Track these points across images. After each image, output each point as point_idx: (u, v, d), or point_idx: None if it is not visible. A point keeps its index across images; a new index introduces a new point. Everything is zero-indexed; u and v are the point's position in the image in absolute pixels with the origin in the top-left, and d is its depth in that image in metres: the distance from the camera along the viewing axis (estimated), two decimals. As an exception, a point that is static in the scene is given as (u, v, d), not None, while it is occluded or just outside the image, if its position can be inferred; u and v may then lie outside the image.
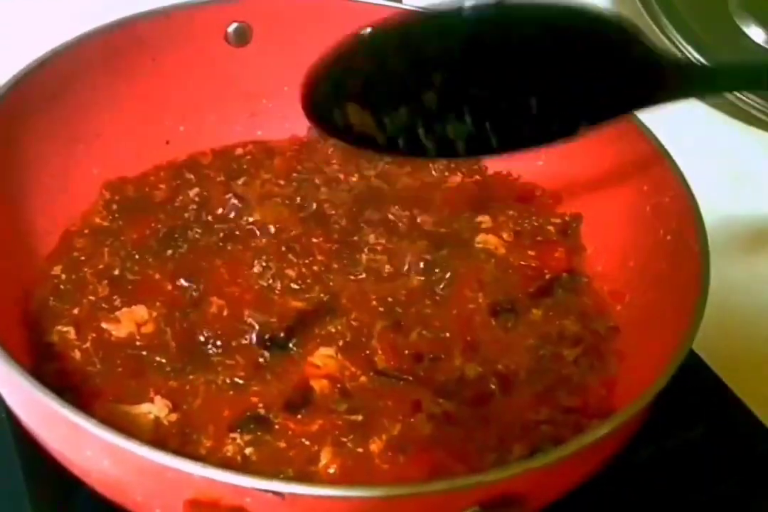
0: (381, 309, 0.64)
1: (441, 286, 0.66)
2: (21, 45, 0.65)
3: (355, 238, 0.68)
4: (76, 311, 0.61)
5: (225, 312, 0.62)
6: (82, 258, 0.65)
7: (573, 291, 0.67)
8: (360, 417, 0.57)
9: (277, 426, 0.56)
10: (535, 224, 0.71)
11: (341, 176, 0.74)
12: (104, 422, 0.43)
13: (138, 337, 0.60)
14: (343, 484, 0.51)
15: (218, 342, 0.60)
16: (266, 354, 0.60)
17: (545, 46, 0.51)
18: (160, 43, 0.70)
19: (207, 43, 0.72)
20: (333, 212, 0.70)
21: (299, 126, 0.77)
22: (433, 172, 0.75)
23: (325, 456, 0.54)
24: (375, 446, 0.55)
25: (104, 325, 0.60)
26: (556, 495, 0.50)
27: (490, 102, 0.52)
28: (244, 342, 0.60)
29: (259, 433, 0.55)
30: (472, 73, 0.52)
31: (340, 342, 0.61)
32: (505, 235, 0.69)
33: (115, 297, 0.62)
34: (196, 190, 0.71)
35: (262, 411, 0.57)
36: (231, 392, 0.58)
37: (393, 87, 0.53)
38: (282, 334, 0.60)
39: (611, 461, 0.52)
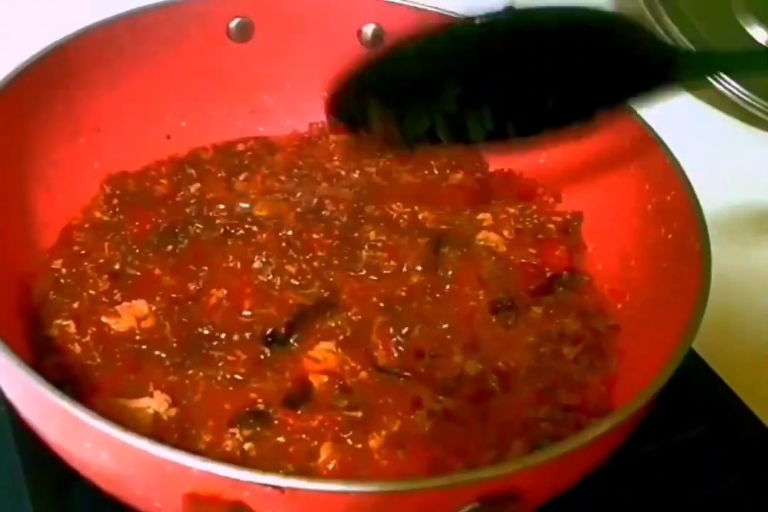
0: (381, 305, 0.64)
1: (442, 283, 0.65)
2: (23, 39, 0.65)
3: (356, 235, 0.68)
4: (76, 305, 0.61)
5: (225, 308, 0.62)
6: (83, 252, 0.65)
7: (573, 289, 0.67)
8: (359, 414, 0.57)
9: (276, 422, 0.56)
10: (536, 222, 0.71)
11: (342, 172, 0.74)
12: (103, 416, 0.43)
13: (138, 332, 0.60)
14: (343, 479, 0.51)
15: (219, 338, 0.60)
16: (267, 350, 0.60)
17: (556, 43, 0.53)
18: (162, 37, 0.70)
19: (209, 39, 0.72)
20: (334, 208, 0.70)
21: (300, 122, 0.77)
22: (435, 170, 0.75)
23: (324, 452, 0.54)
24: (374, 442, 0.55)
25: (104, 319, 0.60)
26: (555, 492, 0.50)
27: (508, 98, 0.54)
28: (244, 337, 0.60)
29: (258, 428, 0.55)
30: (489, 72, 0.54)
31: (341, 338, 0.61)
32: (506, 233, 0.70)
33: (115, 291, 0.62)
34: (197, 185, 0.71)
35: (261, 407, 0.57)
36: (231, 387, 0.57)
37: (415, 90, 0.54)
38: (283, 330, 0.60)
39: (610, 459, 0.52)
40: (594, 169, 0.69)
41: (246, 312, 0.62)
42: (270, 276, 0.64)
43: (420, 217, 0.70)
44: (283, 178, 0.72)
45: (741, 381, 0.68)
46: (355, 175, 0.74)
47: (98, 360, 0.58)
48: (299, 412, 0.56)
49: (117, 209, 0.68)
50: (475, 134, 0.54)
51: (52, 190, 0.65)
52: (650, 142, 0.64)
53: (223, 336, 0.60)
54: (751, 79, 0.90)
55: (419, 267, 0.66)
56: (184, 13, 0.70)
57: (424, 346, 0.61)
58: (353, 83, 0.56)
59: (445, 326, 0.63)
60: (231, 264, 0.65)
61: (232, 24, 0.72)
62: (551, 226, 0.71)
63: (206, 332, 0.60)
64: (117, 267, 0.64)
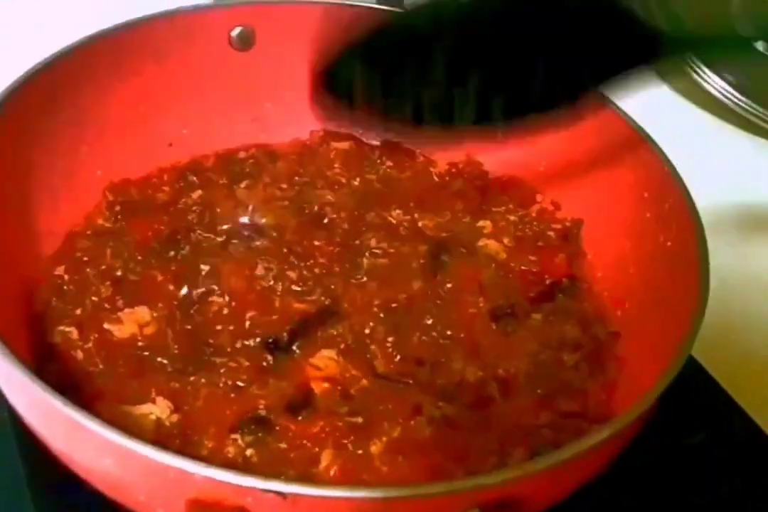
0: (382, 313, 0.64)
1: (442, 290, 0.66)
2: (26, 46, 0.66)
3: (357, 242, 0.68)
4: (78, 311, 0.61)
5: (227, 314, 0.62)
6: (85, 259, 0.65)
7: (573, 296, 0.67)
8: (360, 420, 0.57)
9: (278, 428, 0.56)
10: (536, 229, 0.72)
11: (343, 180, 0.74)
12: (106, 422, 0.43)
13: (140, 338, 0.61)
14: (345, 485, 0.52)
15: (221, 345, 0.60)
16: (269, 357, 0.60)
17: (543, 19, 0.53)
18: (164, 46, 0.70)
19: (211, 47, 0.73)
20: (335, 215, 0.70)
21: (301, 129, 0.78)
22: (435, 177, 0.76)
23: (325, 458, 0.55)
24: (375, 448, 0.55)
25: (106, 326, 0.61)
26: (555, 499, 0.50)
27: (495, 72, 0.53)
28: (246, 344, 0.61)
29: (260, 434, 0.55)
30: (475, 47, 0.53)
31: (342, 346, 0.61)
32: (506, 240, 0.70)
33: (117, 297, 0.62)
34: (198, 192, 0.72)
35: (263, 413, 0.57)
36: (232, 394, 0.58)
37: (402, 65, 0.54)
38: (285, 337, 0.61)
39: (611, 466, 0.52)
40: (593, 176, 0.70)
41: (248, 320, 0.62)
42: (271, 283, 0.65)
43: (420, 224, 0.71)
44: (284, 185, 0.73)
45: (740, 387, 0.68)
46: (356, 183, 0.74)
47: (101, 366, 0.59)
48: (300, 418, 0.57)
49: (119, 216, 0.69)
50: (460, 118, 0.54)
51: (55, 197, 0.65)
52: (649, 150, 0.64)
53: (225, 343, 0.60)
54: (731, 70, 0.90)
55: (419, 274, 0.66)
56: (187, 22, 0.71)
57: (424, 353, 0.62)
58: (342, 57, 0.55)
59: (445, 333, 0.63)
60: (232, 271, 0.65)
61: (234, 32, 0.73)
62: (551, 233, 0.71)
63: (208, 339, 0.61)
64: (119, 273, 0.64)
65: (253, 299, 0.64)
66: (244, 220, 0.69)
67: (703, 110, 0.98)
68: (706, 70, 0.95)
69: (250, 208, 0.70)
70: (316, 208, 0.71)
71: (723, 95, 0.95)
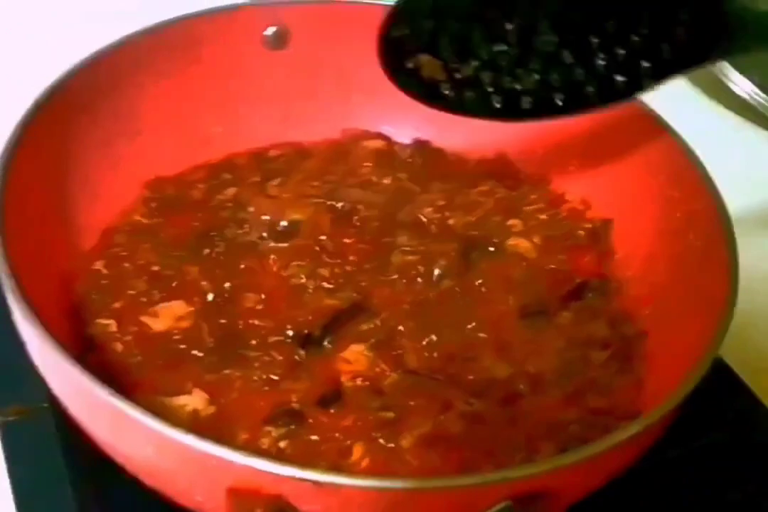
0: (412, 309, 0.64)
1: (471, 288, 0.66)
2: (69, 44, 0.67)
3: (387, 240, 0.69)
4: (117, 305, 0.63)
5: (260, 310, 0.63)
6: (123, 253, 0.66)
7: (602, 295, 0.67)
8: (391, 414, 0.57)
9: (310, 421, 0.57)
10: (566, 228, 0.72)
11: (374, 178, 0.75)
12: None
13: (176, 331, 0.62)
14: (378, 476, 0.53)
15: (254, 339, 0.61)
16: (302, 352, 0.61)
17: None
18: (199, 45, 0.72)
19: (245, 46, 0.74)
20: (366, 213, 0.71)
21: (333, 128, 0.78)
22: (465, 176, 0.76)
23: (357, 451, 0.55)
24: (406, 442, 0.56)
25: (143, 319, 0.62)
26: (584, 492, 0.51)
27: (557, 57, 0.53)
28: (279, 339, 0.61)
29: (292, 427, 0.56)
30: (540, 25, 0.53)
31: (372, 340, 0.62)
32: (536, 239, 0.70)
33: (154, 292, 0.64)
34: (232, 190, 0.73)
35: (296, 406, 0.58)
36: (266, 387, 0.59)
37: (464, 39, 0.54)
38: (317, 333, 0.62)
39: (638, 462, 0.52)
40: (624, 176, 0.70)
41: (280, 315, 0.63)
42: (303, 280, 0.65)
43: (450, 222, 0.71)
44: (316, 183, 0.73)
45: (766, 386, 0.69)
46: (387, 181, 0.75)
47: (138, 358, 0.60)
48: (332, 411, 0.58)
49: (155, 212, 0.70)
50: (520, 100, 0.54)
51: (93, 193, 0.67)
52: (680, 151, 0.64)
53: (258, 337, 0.61)
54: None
55: (449, 272, 0.67)
56: (222, 20, 0.72)
57: (454, 350, 0.62)
58: (406, 13, 0.56)
59: (475, 330, 0.64)
60: (265, 267, 0.66)
61: (268, 32, 0.74)
62: (581, 232, 0.72)
63: (242, 334, 0.62)
64: (155, 268, 0.65)
65: (285, 295, 0.64)
66: (276, 217, 0.70)
67: (731, 111, 0.98)
68: (734, 71, 0.95)
69: (282, 205, 0.71)
70: (347, 205, 0.71)
71: (750, 96, 0.95)
